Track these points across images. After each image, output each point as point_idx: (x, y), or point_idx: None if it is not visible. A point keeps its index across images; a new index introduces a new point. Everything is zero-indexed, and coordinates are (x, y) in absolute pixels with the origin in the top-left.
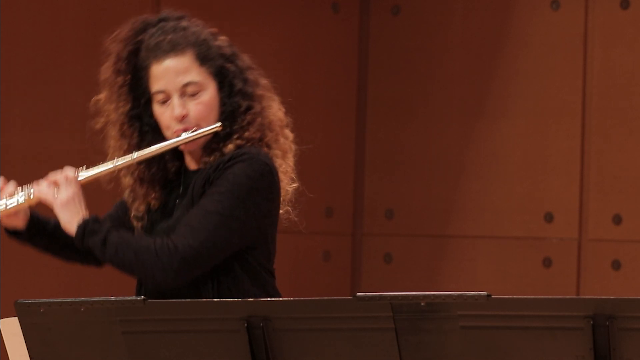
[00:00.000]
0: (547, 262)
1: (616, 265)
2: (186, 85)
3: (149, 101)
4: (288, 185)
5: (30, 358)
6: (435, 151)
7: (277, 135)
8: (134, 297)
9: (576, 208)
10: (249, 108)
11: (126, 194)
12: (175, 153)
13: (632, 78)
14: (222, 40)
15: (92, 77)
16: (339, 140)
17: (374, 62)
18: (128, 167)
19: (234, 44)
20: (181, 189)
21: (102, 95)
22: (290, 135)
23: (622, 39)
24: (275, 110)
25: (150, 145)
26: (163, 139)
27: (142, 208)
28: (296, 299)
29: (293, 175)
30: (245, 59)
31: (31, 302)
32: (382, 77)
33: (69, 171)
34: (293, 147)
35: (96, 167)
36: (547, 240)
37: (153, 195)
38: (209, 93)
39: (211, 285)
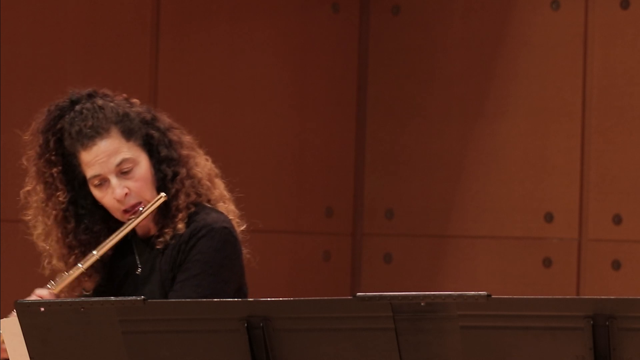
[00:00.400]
0: (547, 262)
1: (616, 265)
2: (120, 164)
3: (82, 183)
4: (237, 229)
5: (30, 358)
6: (435, 151)
7: (211, 189)
8: (134, 297)
9: (576, 208)
10: (175, 174)
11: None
12: (107, 228)
13: (632, 78)
14: (137, 104)
15: (92, 77)
16: (339, 140)
17: (374, 62)
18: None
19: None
20: (137, 259)
21: (30, 187)
22: (221, 184)
23: (622, 39)
24: (202, 166)
25: (87, 228)
26: (102, 222)
27: (88, 286)
28: (296, 299)
29: (238, 220)
30: (164, 120)
31: (31, 302)
32: (382, 77)
33: (41, 291)
34: (227, 194)
35: (64, 277)
36: (547, 240)
37: (91, 273)
38: (143, 166)
39: None
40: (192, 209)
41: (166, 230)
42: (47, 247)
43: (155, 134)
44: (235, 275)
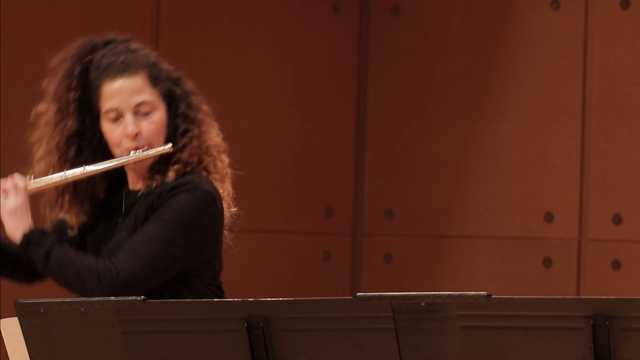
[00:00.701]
0: (547, 262)
1: (616, 265)
2: (140, 104)
3: (94, 120)
4: (227, 210)
5: (30, 358)
6: (435, 151)
7: (215, 160)
8: (134, 297)
9: (576, 208)
10: (186, 131)
11: (71, 221)
12: (104, 173)
13: (632, 78)
14: (167, 63)
15: None
16: (339, 140)
17: (374, 62)
18: (54, 188)
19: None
20: (123, 208)
21: (43, 108)
22: (226, 160)
23: (622, 39)
24: (213, 135)
25: (83, 162)
26: (101, 157)
27: (73, 222)
28: (296, 299)
29: (230, 201)
30: (189, 84)
31: (31, 302)
32: (382, 77)
33: (18, 179)
34: (229, 172)
35: (46, 177)
36: (547, 240)
37: (77, 211)
38: (160, 114)
39: None
40: (188, 169)
41: (156, 176)
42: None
43: (178, 91)
44: (203, 240)
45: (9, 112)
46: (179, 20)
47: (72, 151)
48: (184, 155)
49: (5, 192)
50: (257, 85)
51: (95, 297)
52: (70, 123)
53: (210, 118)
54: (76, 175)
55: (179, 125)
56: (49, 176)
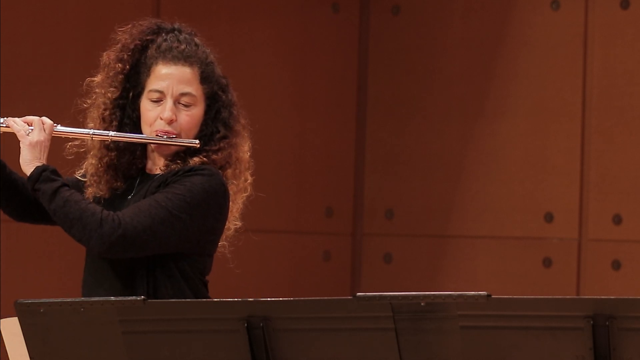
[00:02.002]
0: (547, 262)
1: (616, 265)
2: (183, 94)
3: (137, 96)
4: (232, 222)
5: (30, 358)
6: (435, 151)
7: (240, 173)
8: (134, 297)
9: (576, 208)
10: (224, 137)
11: (88, 177)
12: (145, 153)
13: (632, 78)
14: (220, 69)
15: (92, 77)
16: (339, 140)
17: (374, 62)
18: (98, 150)
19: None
20: (134, 189)
21: (97, 78)
22: (249, 178)
23: (622, 39)
24: (245, 150)
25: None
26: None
27: (101, 193)
28: (296, 299)
29: (237, 215)
30: (234, 95)
31: (31, 302)
32: (382, 77)
33: (46, 118)
34: (249, 189)
35: (73, 128)
36: (547, 240)
37: (115, 184)
38: (199, 110)
39: (146, 279)
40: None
41: (178, 161)
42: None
43: (224, 96)
44: (203, 226)
45: (9, 112)
46: (179, 20)
47: (115, 124)
48: (215, 156)
49: (32, 124)
50: (257, 85)
51: (92, 242)
52: (114, 93)
53: (245, 132)
54: (102, 136)
55: (218, 130)
56: (74, 129)
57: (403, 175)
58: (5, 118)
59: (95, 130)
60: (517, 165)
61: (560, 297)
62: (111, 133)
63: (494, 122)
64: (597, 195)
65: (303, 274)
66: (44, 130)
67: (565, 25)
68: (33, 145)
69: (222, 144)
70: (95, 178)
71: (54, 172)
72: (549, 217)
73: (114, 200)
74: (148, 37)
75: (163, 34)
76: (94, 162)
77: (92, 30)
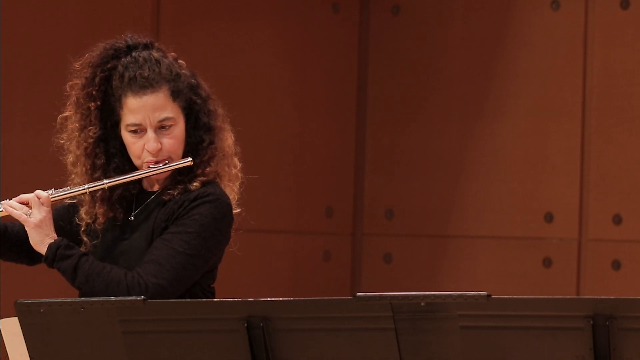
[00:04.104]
0: (547, 262)
1: (616, 265)
2: (162, 120)
3: (115, 124)
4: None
5: (30, 358)
6: (435, 151)
7: (229, 165)
8: (134, 297)
9: (576, 208)
10: (211, 143)
11: (82, 211)
12: (127, 157)
13: (632, 78)
14: (184, 66)
15: None
16: (339, 140)
17: (374, 62)
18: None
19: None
20: (134, 207)
21: (68, 114)
22: (237, 164)
23: (622, 39)
24: (229, 141)
25: (117, 167)
26: (129, 161)
27: (98, 226)
28: (296, 299)
29: (235, 203)
30: (205, 88)
31: (31, 302)
32: (382, 77)
33: (40, 193)
34: (240, 175)
35: (67, 189)
36: (547, 240)
37: (113, 214)
38: (180, 127)
39: None
40: (210, 177)
41: (179, 186)
42: (73, 176)
43: (198, 100)
44: (218, 250)
45: (9, 112)
46: (179, 20)
47: (101, 156)
48: (210, 169)
49: (29, 204)
50: (257, 85)
51: None
52: (94, 130)
53: (225, 121)
54: (97, 187)
55: (202, 138)
56: (71, 188)
57: (403, 175)
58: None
59: (90, 184)
60: (517, 165)
61: (560, 297)
62: (105, 181)
63: (494, 122)
64: (597, 195)
65: (303, 274)
66: (42, 204)
67: (565, 25)
68: (38, 225)
69: (209, 152)
70: (90, 212)
71: (68, 246)
72: (549, 217)
73: (115, 225)
74: (108, 66)
75: (122, 59)
76: (86, 197)
77: (92, 30)
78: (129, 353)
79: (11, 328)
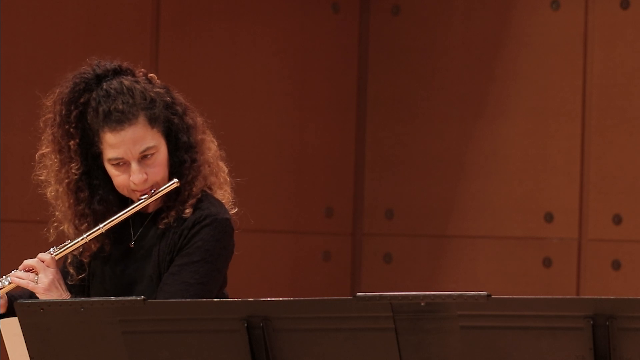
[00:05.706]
0: (547, 262)
1: (616, 265)
2: (144, 151)
3: (96, 156)
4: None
5: (30, 358)
6: (435, 151)
7: (216, 173)
8: (134, 297)
9: (576, 208)
10: (193, 161)
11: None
12: (119, 198)
13: (632, 78)
14: (155, 81)
15: None
16: (339, 140)
17: (374, 62)
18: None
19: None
20: (132, 232)
21: (45, 150)
22: (224, 168)
23: (622, 39)
24: (212, 150)
25: (101, 199)
26: (113, 191)
27: (85, 260)
28: (296, 299)
29: (231, 205)
30: (180, 101)
31: (31, 302)
32: (382, 77)
33: (43, 255)
34: (228, 179)
35: (67, 244)
36: (547, 240)
37: (108, 248)
38: (162, 152)
39: None
40: (199, 196)
41: (172, 212)
42: (57, 212)
43: (175, 119)
44: (227, 265)
45: (9, 112)
46: (179, 20)
47: (84, 189)
48: (196, 188)
49: (34, 269)
50: (257, 85)
51: None
52: (76, 167)
53: (205, 130)
54: (96, 234)
55: (184, 158)
56: (70, 243)
57: (403, 175)
58: (6, 276)
59: (88, 233)
60: (517, 165)
61: (560, 297)
62: (101, 225)
63: (494, 122)
64: (597, 195)
65: (303, 274)
66: (48, 267)
67: (565, 25)
68: (48, 289)
69: (193, 172)
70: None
71: None
72: (549, 217)
73: (114, 251)
74: (81, 100)
75: (93, 91)
76: (71, 231)
77: (92, 30)
78: (129, 353)
79: (11, 328)
